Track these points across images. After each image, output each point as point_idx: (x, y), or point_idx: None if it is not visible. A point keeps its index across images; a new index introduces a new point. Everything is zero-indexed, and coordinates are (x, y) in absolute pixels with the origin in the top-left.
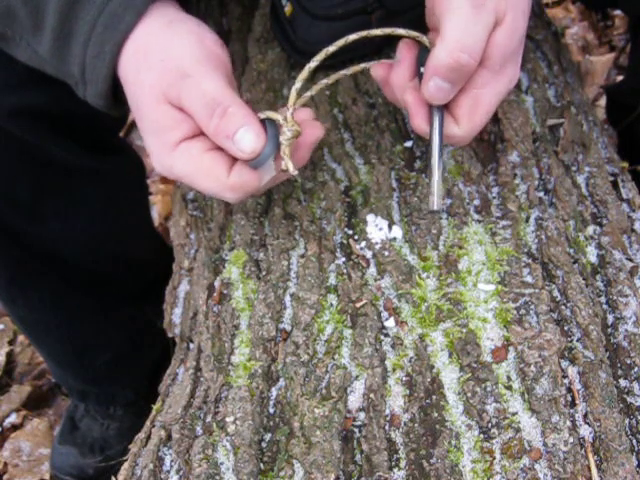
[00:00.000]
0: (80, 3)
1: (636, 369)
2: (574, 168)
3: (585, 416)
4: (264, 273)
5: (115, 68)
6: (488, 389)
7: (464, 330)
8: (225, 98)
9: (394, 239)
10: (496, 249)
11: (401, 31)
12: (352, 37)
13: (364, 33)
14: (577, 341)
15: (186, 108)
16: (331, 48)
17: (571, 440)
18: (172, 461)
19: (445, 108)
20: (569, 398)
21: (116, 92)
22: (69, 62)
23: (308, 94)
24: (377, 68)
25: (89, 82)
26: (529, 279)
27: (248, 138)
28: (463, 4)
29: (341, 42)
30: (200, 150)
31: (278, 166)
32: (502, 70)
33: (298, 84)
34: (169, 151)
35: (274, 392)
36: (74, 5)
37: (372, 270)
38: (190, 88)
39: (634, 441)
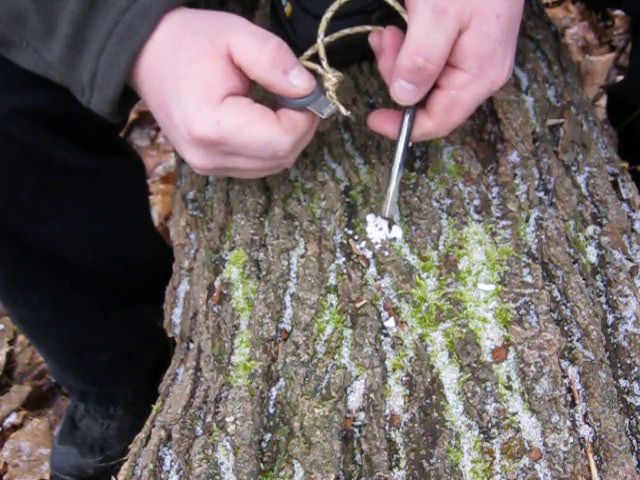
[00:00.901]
0: (95, 13)
1: (636, 369)
2: (574, 168)
3: (585, 416)
4: (264, 273)
5: (129, 76)
6: (488, 389)
7: (464, 330)
8: (276, 37)
9: (394, 239)
10: (496, 249)
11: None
12: None
13: None
14: (577, 341)
15: (236, 49)
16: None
17: (571, 440)
18: (172, 461)
19: (420, 104)
20: (569, 398)
21: (121, 100)
22: (79, 69)
23: (327, 38)
24: (374, 36)
25: (98, 89)
26: (529, 279)
27: (304, 76)
28: (424, 10)
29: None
30: (248, 102)
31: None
32: (481, 73)
33: (321, 35)
34: (215, 105)
35: (274, 392)
36: (89, 15)
37: (372, 270)
38: (239, 30)
39: (634, 441)
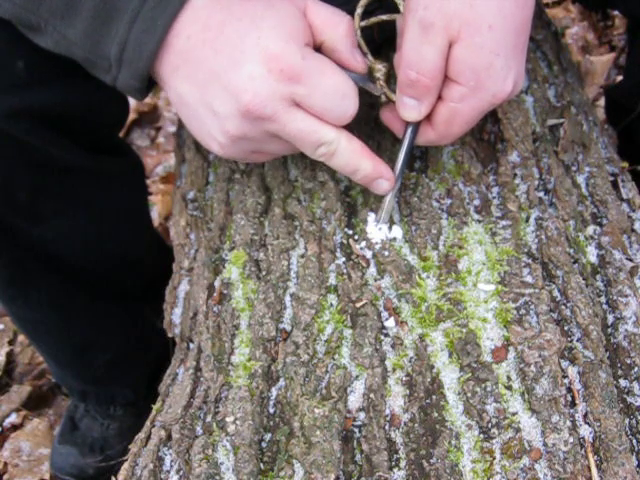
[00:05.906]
0: None
1: (636, 369)
2: (574, 168)
3: (585, 416)
4: (264, 273)
5: (162, 44)
6: (488, 389)
7: (464, 330)
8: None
9: (394, 239)
10: (496, 249)
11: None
12: None
13: None
14: (577, 341)
15: (315, 8)
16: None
17: (571, 440)
18: (172, 461)
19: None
20: (569, 398)
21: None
22: (106, 42)
23: (363, 22)
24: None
25: (128, 62)
26: (529, 279)
27: (361, 54)
28: (413, 24)
29: None
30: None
31: None
32: (479, 85)
33: (358, 31)
34: (301, 43)
35: (274, 392)
36: None
37: (372, 270)
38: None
39: (634, 441)
